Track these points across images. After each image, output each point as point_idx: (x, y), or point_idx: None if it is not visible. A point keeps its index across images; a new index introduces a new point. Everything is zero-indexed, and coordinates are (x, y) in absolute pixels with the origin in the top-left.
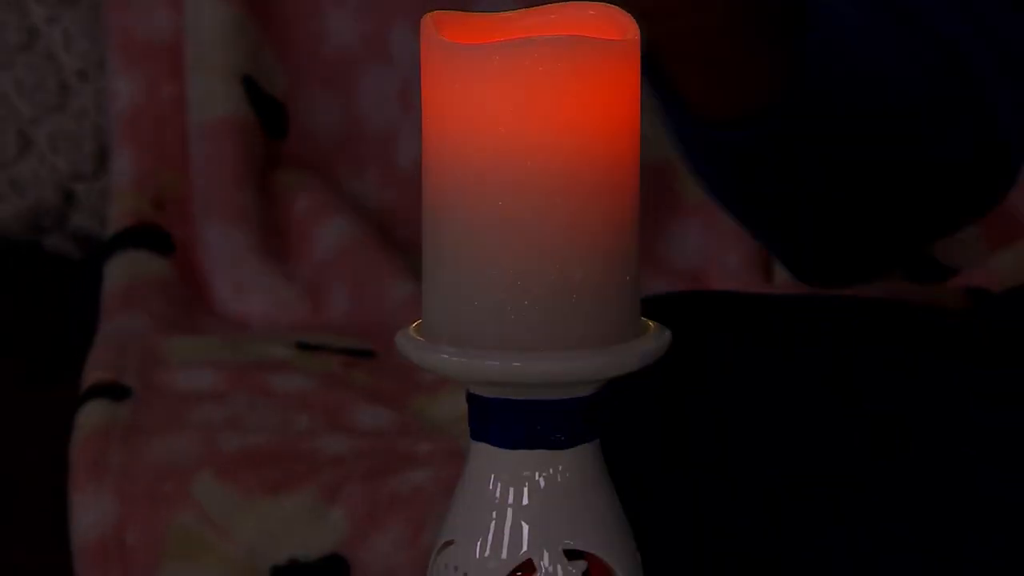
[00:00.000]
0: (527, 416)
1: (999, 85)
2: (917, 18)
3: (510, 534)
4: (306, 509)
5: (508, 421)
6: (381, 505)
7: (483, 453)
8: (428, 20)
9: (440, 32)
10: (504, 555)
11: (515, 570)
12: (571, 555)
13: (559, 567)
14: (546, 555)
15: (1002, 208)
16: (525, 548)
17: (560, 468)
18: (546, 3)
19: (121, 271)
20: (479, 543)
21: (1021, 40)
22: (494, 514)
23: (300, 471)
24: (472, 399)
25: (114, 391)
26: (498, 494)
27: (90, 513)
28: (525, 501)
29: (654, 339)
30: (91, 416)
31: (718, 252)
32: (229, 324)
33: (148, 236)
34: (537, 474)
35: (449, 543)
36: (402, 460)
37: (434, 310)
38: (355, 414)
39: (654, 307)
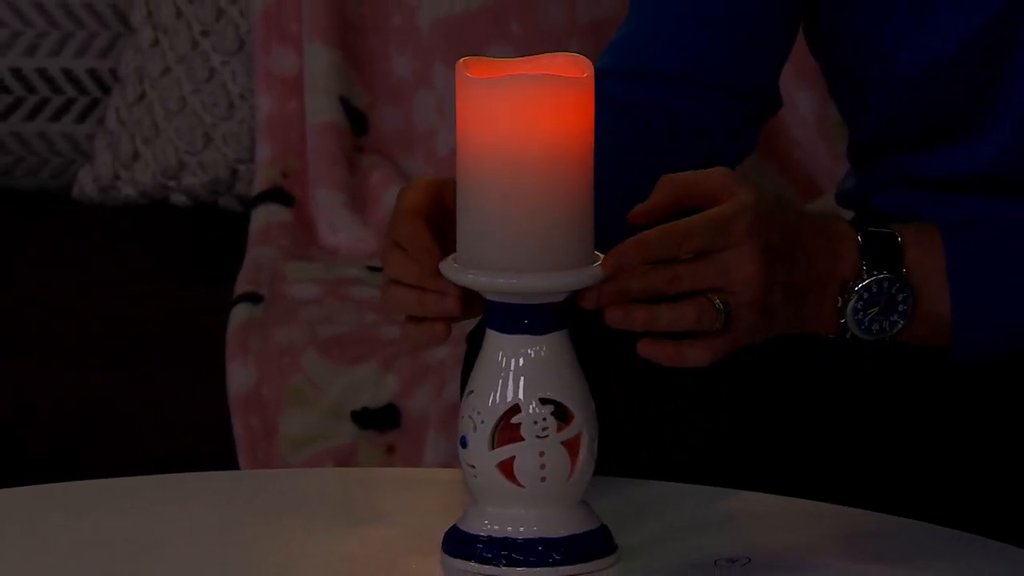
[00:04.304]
0: (521, 313)
1: None
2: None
3: (510, 388)
4: (372, 375)
5: (509, 316)
6: (418, 372)
7: (493, 336)
8: (461, 63)
9: (468, 71)
10: (509, 399)
11: (509, 410)
12: (544, 402)
13: (538, 409)
14: (531, 401)
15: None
16: (520, 397)
17: (542, 346)
18: (534, 53)
19: (261, 217)
20: (489, 392)
21: None
22: (500, 375)
23: (369, 350)
24: (487, 302)
25: (253, 298)
26: (502, 363)
27: (238, 377)
28: (519, 367)
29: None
30: (239, 314)
31: None
32: (326, 253)
33: (278, 195)
34: (528, 350)
35: (471, 392)
36: None
37: (463, 247)
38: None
39: None
